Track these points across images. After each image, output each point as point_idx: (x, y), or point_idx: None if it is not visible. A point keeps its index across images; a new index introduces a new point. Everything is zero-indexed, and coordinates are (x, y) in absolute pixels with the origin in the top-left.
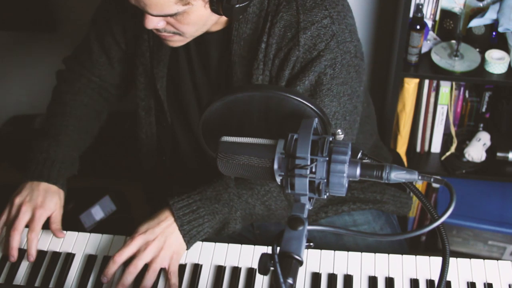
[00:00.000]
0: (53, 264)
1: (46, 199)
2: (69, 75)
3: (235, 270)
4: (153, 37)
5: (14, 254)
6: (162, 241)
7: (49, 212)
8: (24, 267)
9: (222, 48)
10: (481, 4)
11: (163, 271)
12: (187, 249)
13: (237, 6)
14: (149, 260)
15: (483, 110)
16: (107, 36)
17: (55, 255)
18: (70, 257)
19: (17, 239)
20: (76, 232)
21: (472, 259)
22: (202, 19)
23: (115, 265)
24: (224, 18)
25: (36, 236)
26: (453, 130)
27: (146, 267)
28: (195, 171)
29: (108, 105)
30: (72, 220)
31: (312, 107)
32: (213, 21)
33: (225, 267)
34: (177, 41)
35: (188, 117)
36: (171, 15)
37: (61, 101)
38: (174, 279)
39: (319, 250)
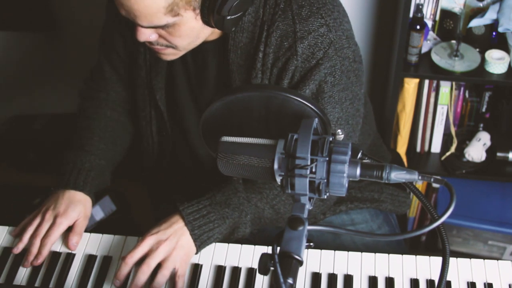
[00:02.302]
0: (53, 264)
1: (69, 208)
2: (89, 92)
3: (235, 270)
4: (149, 49)
5: (29, 259)
6: (174, 242)
7: (70, 221)
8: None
9: (220, 57)
10: (481, 4)
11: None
12: (196, 253)
13: (229, 18)
14: (162, 259)
15: (483, 110)
16: (113, 54)
17: (55, 255)
18: (70, 257)
19: (37, 245)
20: None
21: (472, 259)
22: (194, 31)
23: (127, 266)
24: (208, 35)
25: (50, 241)
26: (453, 130)
27: (157, 268)
28: (192, 176)
29: (126, 122)
30: None
31: (312, 107)
32: (207, 34)
33: (225, 267)
34: (170, 55)
35: (185, 126)
36: (161, 27)
37: (84, 116)
38: (181, 284)
39: (319, 250)
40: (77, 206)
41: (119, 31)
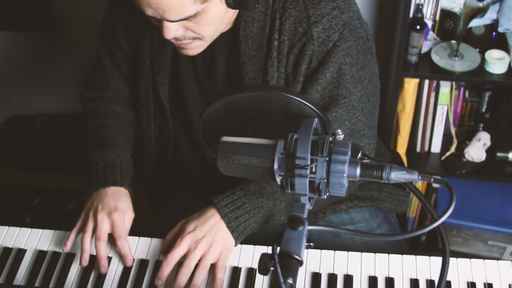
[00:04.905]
0: (53, 264)
1: (119, 202)
2: (93, 93)
3: (235, 270)
4: (153, 45)
5: (105, 264)
6: (211, 238)
7: (125, 214)
8: (24, 267)
9: (228, 49)
10: (481, 4)
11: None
12: (235, 245)
13: None
14: (200, 257)
15: (483, 110)
16: (116, 49)
17: (55, 255)
18: (70, 257)
19: (104, 248)
20: None
21: (472, 259)
22: (219, 17)
23: (168, 266)
24: (229, 20)
25: (125, 240)
26: (453, 130)
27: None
28: (195, 176)
29: (134, 116)
30: (72, 220)
31: (312, 107)
32: (228, 19)
33: (225, 267)
34: (196, 48)
35: (190, 123)
36: (190, 17)
37: (95, 116)
38: (221, 274)
39: (319, 250)
40: (124, 198)
41: (123, 26)
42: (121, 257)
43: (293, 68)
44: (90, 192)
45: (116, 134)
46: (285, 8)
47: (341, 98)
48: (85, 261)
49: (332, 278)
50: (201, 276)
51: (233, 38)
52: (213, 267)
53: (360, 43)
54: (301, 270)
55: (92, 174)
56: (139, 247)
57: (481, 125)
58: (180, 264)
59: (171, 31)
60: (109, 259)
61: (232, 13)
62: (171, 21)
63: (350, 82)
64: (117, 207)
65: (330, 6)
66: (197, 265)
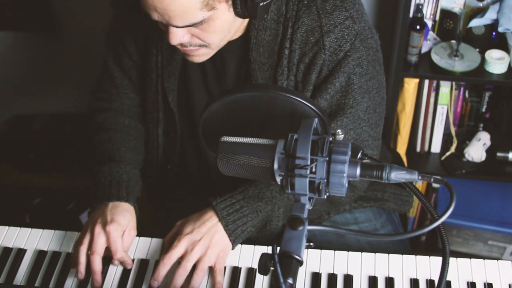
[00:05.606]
0: (53, 264)
1: (118, 216)
2: (101, 104)
3: (235, 270)
4: (162, 51)
5: (98, 278)
6: (208, 240)
7: (123, 227)
8: (24, 267)
9: (239, 56)
10: (481, 4)
11: (208, 269)
12: (232, 248)
13: (262, 4)
14: (197, 259)
15: (483, 110)
16: (125, 57)
17: (55, 255)
18: (70, 257)
19: (98, 262)
20: (77, 232)
21: (472, 259)
22: (226, 25)
23: (165, 267)
24: (240, 27)
25: (122, 253)
26: (453, 130)
27: (193, 267)
28: (200, 180)
29: (142, 128)
30: (72, 220)
31: (312, 107)
32: (236, 28)
33: (225, 267)
34: (202, 55)
35: (198, 127)
36: (196, 24)
37: (103, 128)
38: (220, 277)
39: (319, 250)
40: (125, 213)
41: (130, 33)
42: (121, 263)
43: (303, 76)
44: (94, 207)
45: (125, 148)
46: (298, 17)
47: (348, 107)
48: (81, 274)
49: (332, 278)
50: (199, 279)
51: (244, 45)
52: (211, 271)
53: (370, 53)
54: (301, 270)
55: (99, 188)
56: (139, 247)
57: (481, 125)
58: (178, 265)
59: (177, 37)
60: (109, 259)
61: (240, 22)
62: (177, 27)
63: (358, 92)
64: (114, 219)
65: (343, 16)
66: (195, 268)
